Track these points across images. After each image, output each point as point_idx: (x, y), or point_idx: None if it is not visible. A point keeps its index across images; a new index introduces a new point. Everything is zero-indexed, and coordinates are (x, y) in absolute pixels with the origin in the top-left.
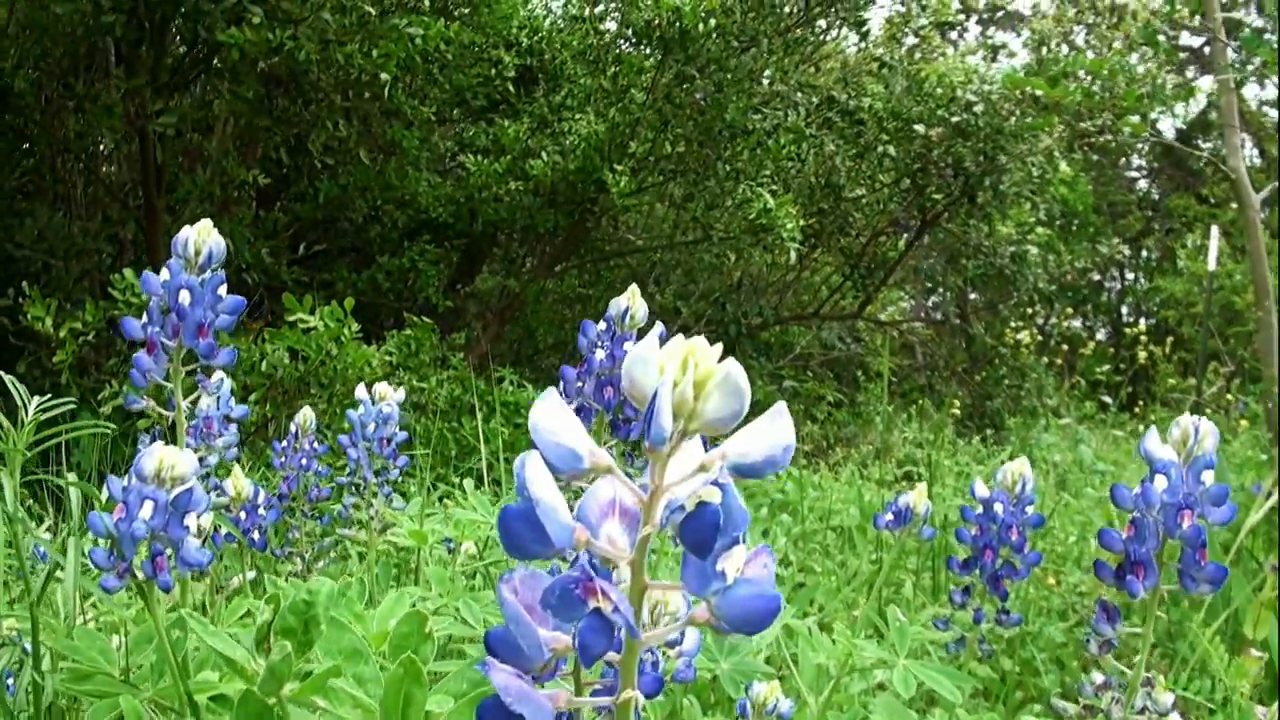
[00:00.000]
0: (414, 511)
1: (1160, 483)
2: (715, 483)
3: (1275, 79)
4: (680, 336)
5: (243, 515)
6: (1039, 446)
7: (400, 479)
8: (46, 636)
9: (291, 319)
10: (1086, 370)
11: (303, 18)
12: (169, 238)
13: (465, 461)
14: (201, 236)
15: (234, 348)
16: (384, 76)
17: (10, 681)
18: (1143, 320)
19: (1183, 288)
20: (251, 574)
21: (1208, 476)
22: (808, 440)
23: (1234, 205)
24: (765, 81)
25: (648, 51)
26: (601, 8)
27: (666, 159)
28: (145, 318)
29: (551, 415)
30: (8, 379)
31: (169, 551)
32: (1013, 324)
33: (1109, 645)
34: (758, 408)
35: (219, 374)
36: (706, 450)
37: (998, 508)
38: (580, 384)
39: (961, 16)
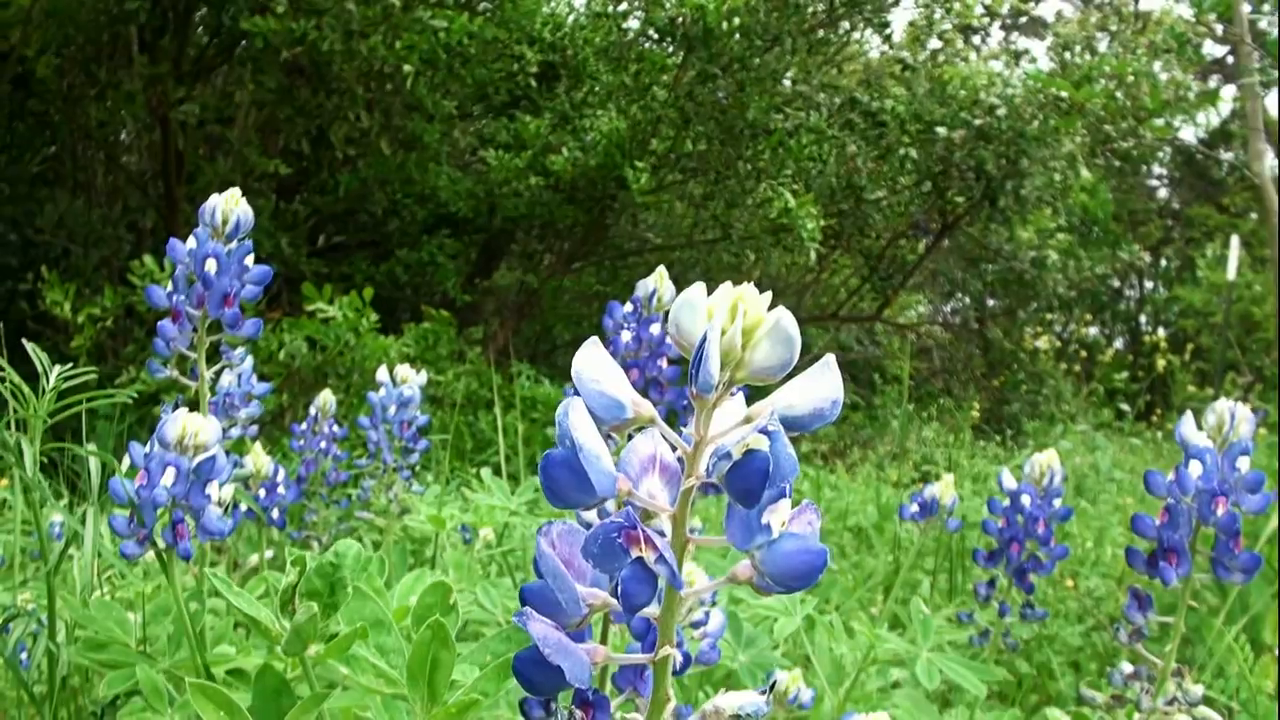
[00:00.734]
0: (432, 497)
1: (1195, 468)
2: (764, 431)
3: None
4: None
5: (262, 493)
6: (1056, 452)
7: (419, 465)
8: (63, 607)
9: (310, 308)
10: (1104, 378)
11: (326, 8)
12: (189, 228)
13: (481, 455)
14: (229, 205)
15: (260, 319)
16: (407, 69)
17: (24, 656)
18: (1161, 329)
19: (1202, 297)
20: (270, 553)
21: (1243, 463)
22: (824, 441)
23: (1254, 215)
24: (788, 81)
25: (670, 49)
26: (625, 5)
27: (687, 157)
28: (170, 286)
29: (594, 363)
30: (30, 346)
31: (190, 520)
32: (1031, 330)
33: (1139, 634)
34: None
35: (242, 349)
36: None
37: (1025, 500)
38: None
39: (985, 20)
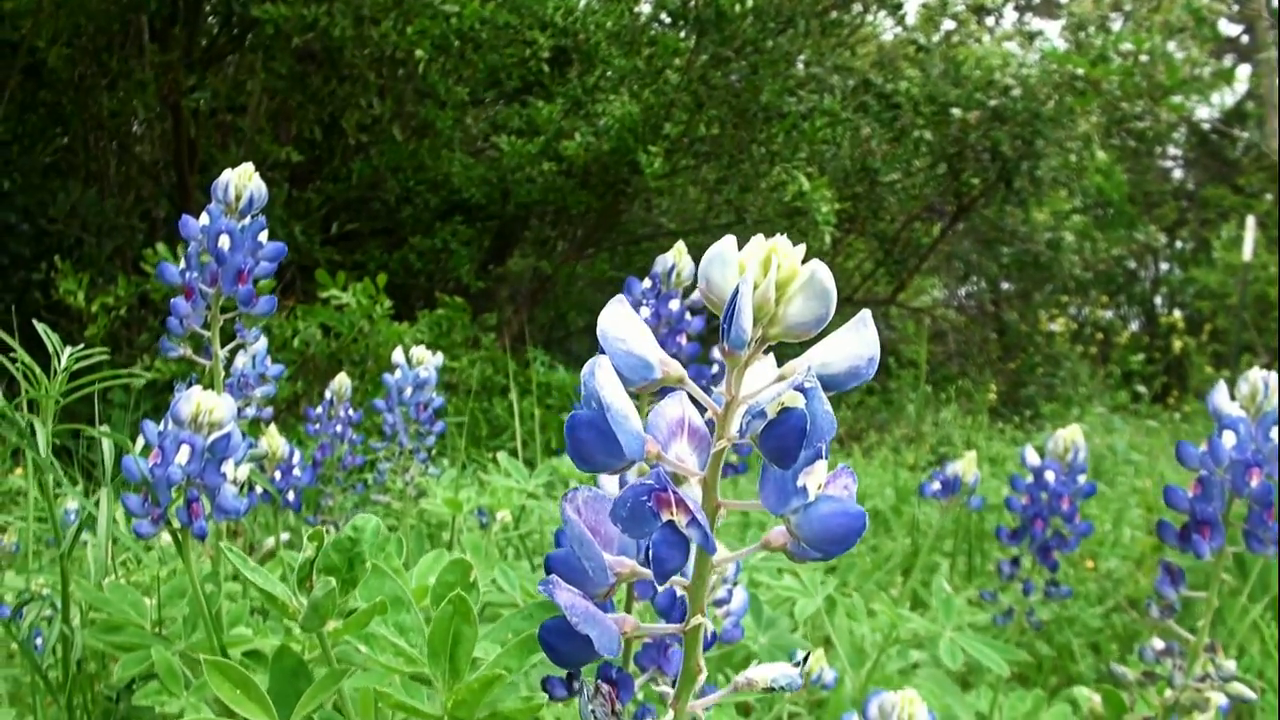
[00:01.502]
0: (448, 481)
1: (1229, 438)
2: (800, 388)
3: None
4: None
5: (277, 475)
6: None
7: (435, 447)
8: (77, 589)
9: (324, 295)
10: (1120, 360)
11: None
12: None
13: (496, 440)
14: (242, 180)
15: (274, 295)
16: (419, 54)
17: (38, 641)
18: (1177, 311)
19: (1217, 278)
20: (285, 536)
21: (1276, 433)
22: (841, 425)
23: (1270, 196)
24: (801, 64)
25: (683, 32)
26: None
27: (700, 141)
28: (183, 263)
29: (621, 322)
30: (41, 327)
31: (204, 499)
32: (1046, 312)
33: (1171, 609)
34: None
35: (256, 329)
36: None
37: (1049, 476)
38: None
39: (999, 0)
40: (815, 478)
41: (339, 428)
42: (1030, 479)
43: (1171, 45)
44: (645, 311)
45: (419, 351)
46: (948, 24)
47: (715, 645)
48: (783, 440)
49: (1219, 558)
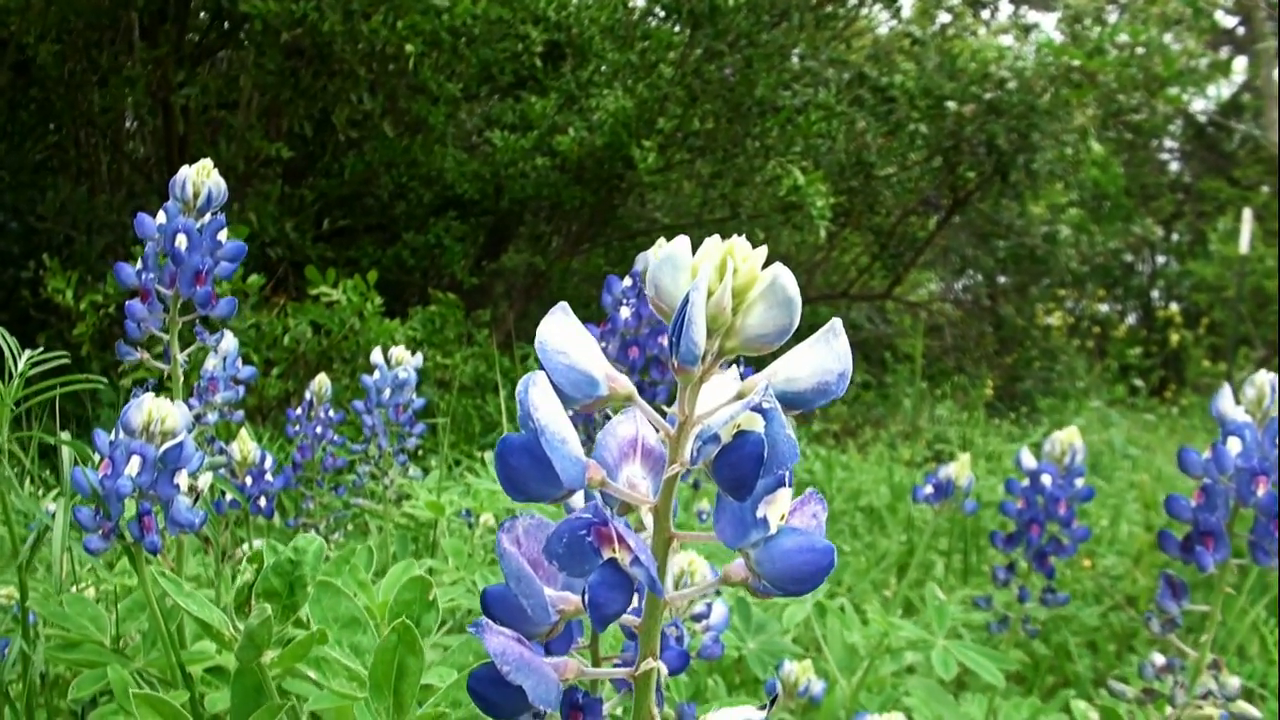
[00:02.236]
0: (432, 483)
1: (1234, 445)
2: (758, 409)
3: None
4: None
5: (249, 481)
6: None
7: (418, 449)
8: (35, 603)
9: (315, 292)
10: (1117, 354)
11: None
12: None
13: (489, 437)
14: (200, 176)
15: (233, 297)
16: (409, 50)
17: (4, 651)
18: (1174, 304)
19: (1214, 271)
20: (259, 543)
21: None
22: (835, 420)
23: (1266, 188)
24: (795, 57)
25: (677, 26)
26: None
27: (695, 135)
28: (140, 264)
29: (562, 333)
30: None
31: (158, 511)
32: (1043, 306)
33: (1173, 624)
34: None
35: (225, 332)
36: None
37: (1045, 480)
38: (604, 344)
39: None
40: (777, 507)
41: (319, 429)
42: (1026, 482)
43: (1168, 37)
44: (626, 311)
45: (398, 352)
46: (943, 17)
47: (694, 661)
48: (737, 469)
49: (1223, 570)
